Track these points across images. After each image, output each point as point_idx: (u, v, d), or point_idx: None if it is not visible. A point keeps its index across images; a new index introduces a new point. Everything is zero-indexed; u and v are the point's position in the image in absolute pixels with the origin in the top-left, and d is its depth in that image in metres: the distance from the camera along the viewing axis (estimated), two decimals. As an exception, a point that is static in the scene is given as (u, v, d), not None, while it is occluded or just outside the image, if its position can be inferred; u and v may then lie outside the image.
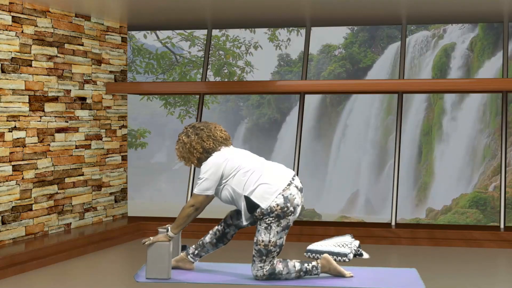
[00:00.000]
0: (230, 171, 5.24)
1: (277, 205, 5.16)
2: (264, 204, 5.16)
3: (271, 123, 8.55)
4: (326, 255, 5.42)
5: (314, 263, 5.40)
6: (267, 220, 5.19)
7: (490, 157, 7.97)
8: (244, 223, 5.30)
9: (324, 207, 8.12)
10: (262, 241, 5.21)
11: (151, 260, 5.39)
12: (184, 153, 5.44)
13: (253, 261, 5.31)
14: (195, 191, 5.24)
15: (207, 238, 5.59)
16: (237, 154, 5.34)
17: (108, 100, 7.97)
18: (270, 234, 5.21)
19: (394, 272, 5.77)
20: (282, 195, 5.20)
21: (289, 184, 5.24)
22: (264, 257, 5.24)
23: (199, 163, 5.43)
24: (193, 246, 5.66)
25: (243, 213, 5.27)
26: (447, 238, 7.29)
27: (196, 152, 5.39)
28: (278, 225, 5.21)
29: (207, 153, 5.38)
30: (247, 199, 5.22)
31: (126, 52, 8.28)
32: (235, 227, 5.55)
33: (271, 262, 5.29)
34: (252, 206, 5.21)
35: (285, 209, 5.18)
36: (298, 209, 5.28)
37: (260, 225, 5.22)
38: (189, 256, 5.68)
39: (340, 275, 5.44)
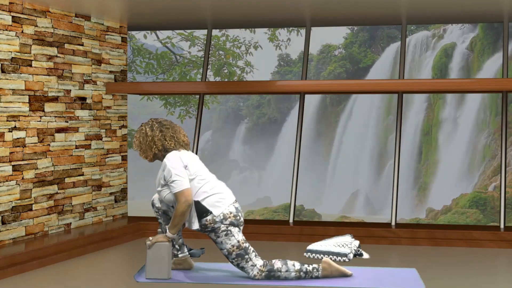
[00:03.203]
0: (188, 177, 5.34)
1: (230, 212, 5.32)
2: (216, 211, 5.27)
3: (271, 123, 8.55)
4: (326, 258, 5.43)
5: (315, 265, 5.40)
6: (222, 227, 5.29)
7: (490, 157, 7.96)
8: (193, 227, 5.35)
9: (324, 207, 8.12)
10: (233, 246, 5.30)
11: (151, 260, 5.39)
12: (143, 144, 5.51)
13: (242, 268, 5.35)
14: (178, 189, 5.23)
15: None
16: (196, 162, 5.46)
17: (108, 100, 7.97)
18: (234, 236, 5.30)
19: (394, 272, 5.77)
20: (234, 205, 5.36)
21: (236, 201, 5.43)
22: (246, 256, 5.31)
23: (154, 158, 5.54)
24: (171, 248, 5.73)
25: (192, 217, 5.33)
26: (447, 238, 7.29)
27: (155, 148, 5.47)
28: (234, 228, 5.31)
29: (165, 152, 5.48)
30: (198, 204, 5.30)
31: (126, 52, 8.29)
32: (164, 212, 5.64)
33: (258, 257, 5.34)
34: (201, 211, 5.29)
35: (238, 217, 5.34)
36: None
37: (219, 237, 5.29)
38: (179, 256, 5.73)
39: (343, 275, 5.46)
